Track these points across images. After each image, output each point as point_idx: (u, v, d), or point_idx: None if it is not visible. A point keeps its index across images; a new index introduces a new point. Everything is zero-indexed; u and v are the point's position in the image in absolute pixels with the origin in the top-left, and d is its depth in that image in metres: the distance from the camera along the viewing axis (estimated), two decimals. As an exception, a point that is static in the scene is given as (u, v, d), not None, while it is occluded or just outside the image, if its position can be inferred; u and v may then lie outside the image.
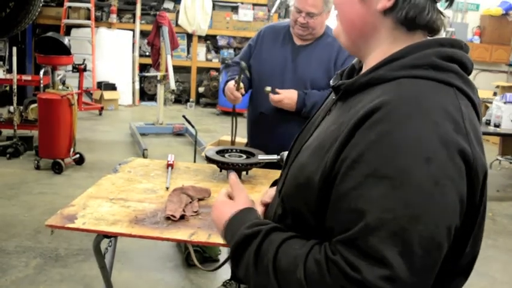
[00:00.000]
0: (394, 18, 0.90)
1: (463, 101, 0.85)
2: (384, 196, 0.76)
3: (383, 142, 0.78)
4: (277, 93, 2.45)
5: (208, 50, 9.59)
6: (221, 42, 9.54)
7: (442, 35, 0.95)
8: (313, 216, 0.89)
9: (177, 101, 9.30)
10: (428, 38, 0.92)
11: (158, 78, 6.97)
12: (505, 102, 5.14)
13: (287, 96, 2.43)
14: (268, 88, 2.46)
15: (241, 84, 2.47)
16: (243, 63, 2.47)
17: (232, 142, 2.76)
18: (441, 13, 0.93)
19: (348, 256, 0.77)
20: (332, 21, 2.68)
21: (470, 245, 0.89)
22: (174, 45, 6.89)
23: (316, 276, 0.80)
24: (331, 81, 1.03)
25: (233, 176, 1.12)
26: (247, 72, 2.49)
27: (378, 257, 0.75)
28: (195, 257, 3.18)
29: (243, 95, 2.50)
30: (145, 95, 9.31)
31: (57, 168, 4.97)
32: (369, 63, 0.94)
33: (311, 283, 0.80)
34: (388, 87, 0.85)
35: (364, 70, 0.96)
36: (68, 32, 8.53)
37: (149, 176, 2.29)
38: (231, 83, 2.48)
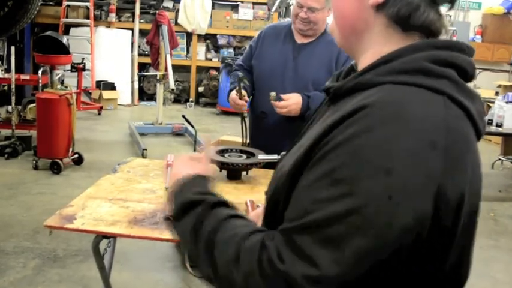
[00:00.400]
0: (387, 15, 0.85)
1: (452, 111, 0.79)
2: (331, 199, 0.74)
3: (348, 145, 0.75)
4: (282, 99, 2.41)
5: (208, 49, 9.57)
6: (221, 41, 9.52)
7: (444, 36, 0.89)
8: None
9: (177, 100, 9.27)
10: (424, 40, 0.86)
11: (157, 77, 6.95)
12: (507, 102, 5.13)
13: (294, 103, 2.40)
14: (273, 93, 2.42)
15: (244, 92, 2.46)
16: (240, 74, 2.47)
17: (243, 144, 2.75)
18: (441, 15, 0.87)
19: (280, 246, 0.76)
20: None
21: (450, 268, 0.83)
22: (173, 45, 6.87)
23: (247, 258, 0.78)
24: (327, 83, 1.00)
25: (207, 140, 1.15)
26: (246, 81, 2.47)
27: (307, 255, 0.73)
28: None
29: (247, 102, 2.50)
30: (145, 94, 9.29)
31: (55, 168, 4.95)
32: (361, 64, 0.91)
33: (240, 263, 0.79)
34: (371, 92, 0.80)
35: (358, 71, 0.92)
36: (66, 31, 8.51)
37: (148, 176, 2.27)
38: (234, 93, 2.49)
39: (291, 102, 2.39)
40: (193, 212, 0.91)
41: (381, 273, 0.74)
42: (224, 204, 0.93)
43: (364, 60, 0.90)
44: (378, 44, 0.88)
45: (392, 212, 0.72)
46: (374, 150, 0.74)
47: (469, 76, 0.85)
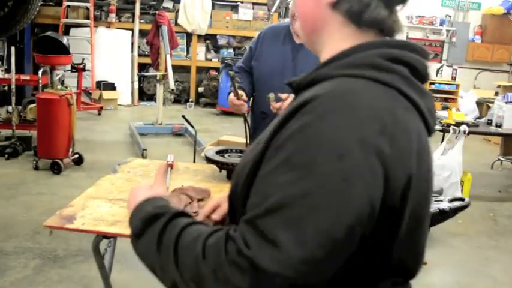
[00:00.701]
0: (342, 13, 0.91)
1: (401, 104, 0.85)
2: (289, 183, 0.78)
3: (302, 133, 0.80)
4: (281, 98, 2.41)
5: (207, 50, 9.58)
6: (221, 41, 9.53)
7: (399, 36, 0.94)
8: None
9: (177, 100, 9.28)
10: (378, 38, 0.92)
11: (157, 77, 6.95)
12: (506, 102, 5.13)
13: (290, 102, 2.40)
14: (272, 95, 2.42)
15: (241, 92, 2.45)
16: (231, 72, 2.46)
17: (247, 145, 2.75)
18: (394, 14, 0.92)
19: (246, 234, 0.78)
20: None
21: (397, 252, 0.87)
22: (173, 45, 6.87)
23: (213, 251, 0.80)
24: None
25: (163, 166, 1.15)
26: (237, 79, 2.46)
27: (271, 238, 0.76)
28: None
29: (246, 101, 2.49)
30: (145, 94, 9.29)
31: (55, 169, 4.95)
32: (322, 60, 0.96)
33: (206, 258, 0.80)
34: (326, 84, 0.86)
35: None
36: (66, 32, 8.52)
37: (149, 177, 2.27)
38: (232, 95, 2.48)
39: (288, 102, 2.40)
40: (156, 224, 0.91)
41: (340, 257, 0.79)
42: (185, 214, 0.94)
43: (324, 56, 0.96)
44: (336, 40, 0.93)
45: (346, 193, 0.77)
46: (326, 136, 0.78)
47: (422, 75, 0.90)
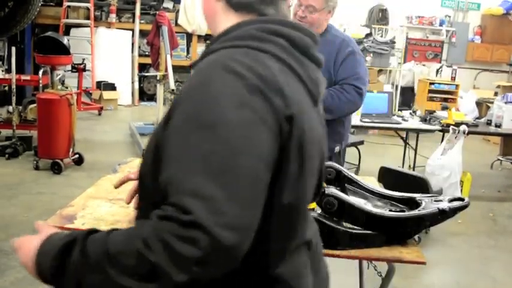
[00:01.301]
0: (223, 0, 1.06)
1: (276, 65, 0.94)
2: (204, 141, 0.83)
3: (198, 99, 0.88)
4: None
5: (208, 50, 9.57)
6: (221, 42, 9.53)
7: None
8: (152, 186, 0.95)
9: (177, 101, 9.28)
10: (257, 17, 1.03)
11: (158, 78, 6.95)
12: (506, 102, 5.13)
13: None
14: None
15: None
16: None
17: None
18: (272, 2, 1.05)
19: (178, 202, 0.80)
20: (332, 20, 2.69)
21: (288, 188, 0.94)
22: (173, 45, 6.87)
23: (155, 238, 0.79)
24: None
25: (40, 222, 1.08)
26: None
27: (204, 194, 0.79)
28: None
29: None
30: (145, 95, 9.30)
31: (56, 169, 4.96)
32: None
33: (152, 248, 0.78)
34: (211, 56, 0.97)
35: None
36: (67, 32, 8.52)
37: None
38: None
39: None
40: (73, 251, 0.86)
41: (263, 198, 0.86)
42: (94, 230, 0.90)
43: None
44: (223, 24, 1.06)
45: (257, 135, 0.86)
46: (220, 95, 0.87)
47: (304, 50, 1.01)
